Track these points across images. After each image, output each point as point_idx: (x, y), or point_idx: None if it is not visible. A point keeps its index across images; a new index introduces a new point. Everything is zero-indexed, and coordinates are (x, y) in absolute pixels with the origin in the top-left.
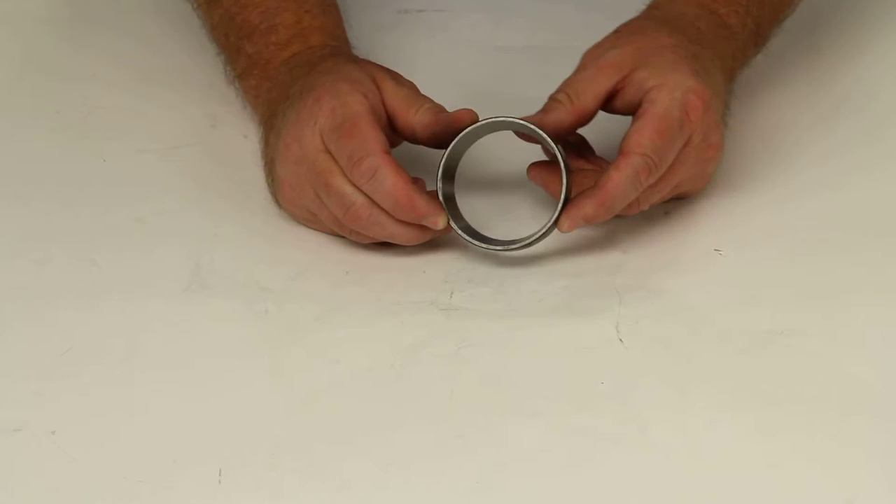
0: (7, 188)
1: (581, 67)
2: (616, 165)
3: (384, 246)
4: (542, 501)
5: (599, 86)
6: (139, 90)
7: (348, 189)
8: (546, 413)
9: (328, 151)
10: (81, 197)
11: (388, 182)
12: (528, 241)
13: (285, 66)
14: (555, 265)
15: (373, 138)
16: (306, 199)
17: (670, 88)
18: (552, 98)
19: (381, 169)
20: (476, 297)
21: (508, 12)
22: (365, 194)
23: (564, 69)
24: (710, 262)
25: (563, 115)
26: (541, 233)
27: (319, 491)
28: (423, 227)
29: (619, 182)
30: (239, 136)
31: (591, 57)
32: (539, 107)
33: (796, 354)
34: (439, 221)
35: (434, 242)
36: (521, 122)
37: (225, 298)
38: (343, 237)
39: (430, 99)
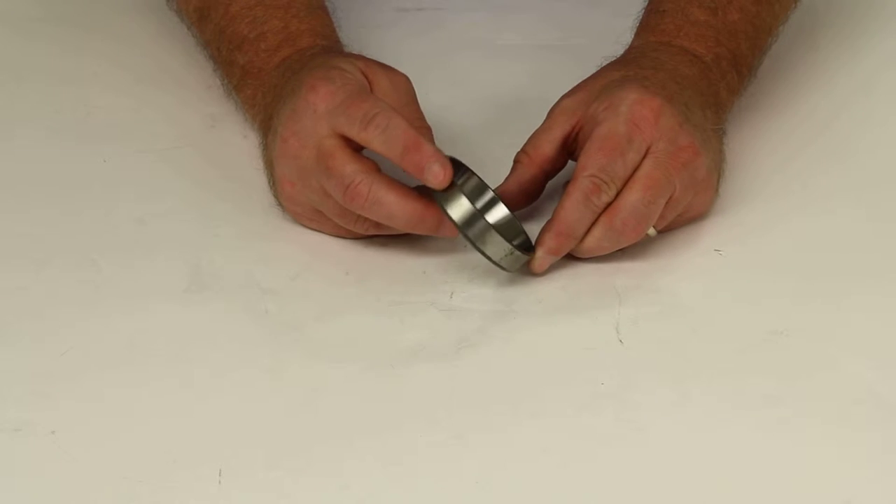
0: (7, 189)
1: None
2: (566, 192)
3: (384, 246)
4: (542, 501)
5: (553, 133)
6: (139, 91)
7: (349, 169)
8: (546, 413)
9: (333, 135)
10: (81, 198)
11: (401, 129)
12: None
13: (277, 70)
14: (554, 266)
15: (383, 99)
16: (308, 193)
17: (615, 106)
18: (515, 160)
19: (394, 118)
20: (476, 297)
21: (508, 10)
22: (366, 172)
23: (564, 68)
24: (710, 262)
25: (524, 173)
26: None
27: (319, 491)
28: (422, 211)
29: (570, 207)
30: (238, 136)
31: (549, 110)
32: (535, 107)
33: (796, 354)
34: (441, 173)
35: (434, 243)
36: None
37: (225, 299)
38: (343, 237)
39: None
